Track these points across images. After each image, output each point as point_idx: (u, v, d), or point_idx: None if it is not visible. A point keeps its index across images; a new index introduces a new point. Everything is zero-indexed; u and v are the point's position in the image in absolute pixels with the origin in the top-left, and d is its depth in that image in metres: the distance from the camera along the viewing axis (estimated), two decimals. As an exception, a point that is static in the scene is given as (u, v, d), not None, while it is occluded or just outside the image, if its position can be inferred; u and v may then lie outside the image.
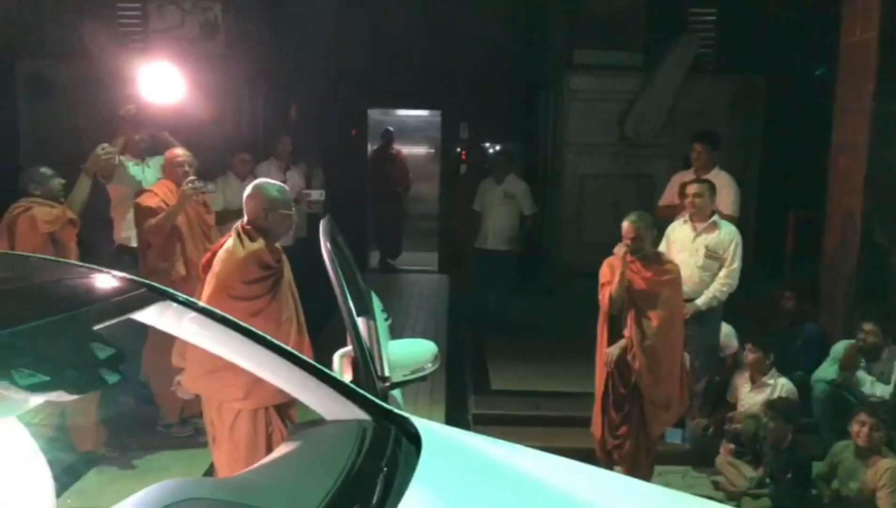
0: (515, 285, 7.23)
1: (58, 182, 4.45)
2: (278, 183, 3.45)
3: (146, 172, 5.27)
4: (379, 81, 9.47)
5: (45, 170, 4.45)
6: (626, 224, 4.03)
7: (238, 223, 3.36)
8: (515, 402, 5.42)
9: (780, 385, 4.75)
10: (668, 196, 5.53)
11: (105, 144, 4.74)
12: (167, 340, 3.26)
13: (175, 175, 4.70)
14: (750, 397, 4.83)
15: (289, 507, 1.71)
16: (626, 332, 4.07)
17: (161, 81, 5.17)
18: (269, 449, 3.26)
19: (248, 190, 3.36)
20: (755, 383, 4.82)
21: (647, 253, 4.07)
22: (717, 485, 4.51)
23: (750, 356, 4.83)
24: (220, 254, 3.28)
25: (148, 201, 4.63)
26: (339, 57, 9.25)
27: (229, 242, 3.31)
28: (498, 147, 9.43)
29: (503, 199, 6.74)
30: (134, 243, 5.03)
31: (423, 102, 10.54)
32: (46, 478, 2.34)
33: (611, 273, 4.09)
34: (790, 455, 4.18)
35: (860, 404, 4.41)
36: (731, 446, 4.67)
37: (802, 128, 6.75)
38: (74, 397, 1.51)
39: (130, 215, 5.08)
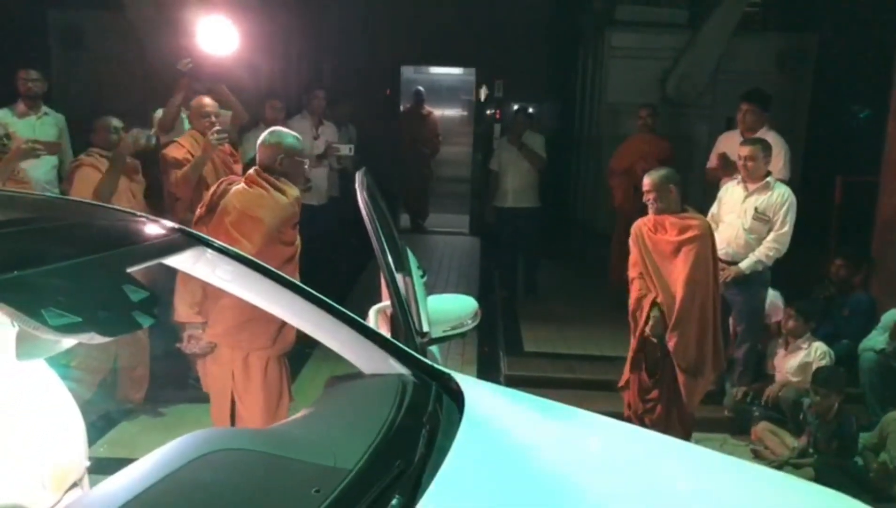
0: (547, 247, 7.07)
1: (116, 136, 4.41)
2: (294, 133, 3.49)
3: None
4: (412, 37, 9.26)
5: (112, 123, 4.43)
6: (645, 179, 3.90)
7: (252, 171, 3.37)
8: (549, 364, 5.34)
9: (815, 349, 4.59)
10: (713, 159, 5.33)
11: (137, 129, 4.62)
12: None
13: (201, 125, 4.63)
14: (784, 361, 4.69)
15: (327, 460, 1.63)
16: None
17: (217, 34, 5.21)
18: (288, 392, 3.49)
19: (263, 136, 3.39)
20: (789, 347, 4.68)
21: (671, 209, 3.84)
22: (756, 454, 4.40)
23: (790, 322, 4.67)
24: (254, 200, 3.24)
25: (174, 152, 4.58)
26: (373, 11, 9.05)
27: (255, 190, 3.28)
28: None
29: (520, 155, 6.56)
30: None
31: (458, 59, 10.32)
32: (79, 425, 2.31)
33: (636, 235, 3.95)
34: (836, 425, 4.04)
35: (910, 375, 4.26)
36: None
37: (854, 88, 6.46)
38: (106, 339, 1.43)
39: None
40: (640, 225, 3.95)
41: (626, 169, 6.23)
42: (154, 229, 2.03)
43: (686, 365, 3.86)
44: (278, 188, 3.32)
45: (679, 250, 3.79)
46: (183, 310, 3.25)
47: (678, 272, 3.77)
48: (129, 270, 1.70)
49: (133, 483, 1.43)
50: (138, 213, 2.18)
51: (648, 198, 3.85)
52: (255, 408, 3.34)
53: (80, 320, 1.42)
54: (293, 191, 3.37)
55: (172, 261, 1.99)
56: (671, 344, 3.83)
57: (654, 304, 3.86)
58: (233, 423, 3.38)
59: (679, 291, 3.77)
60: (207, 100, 4.72)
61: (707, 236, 3.82)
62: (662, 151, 6.05)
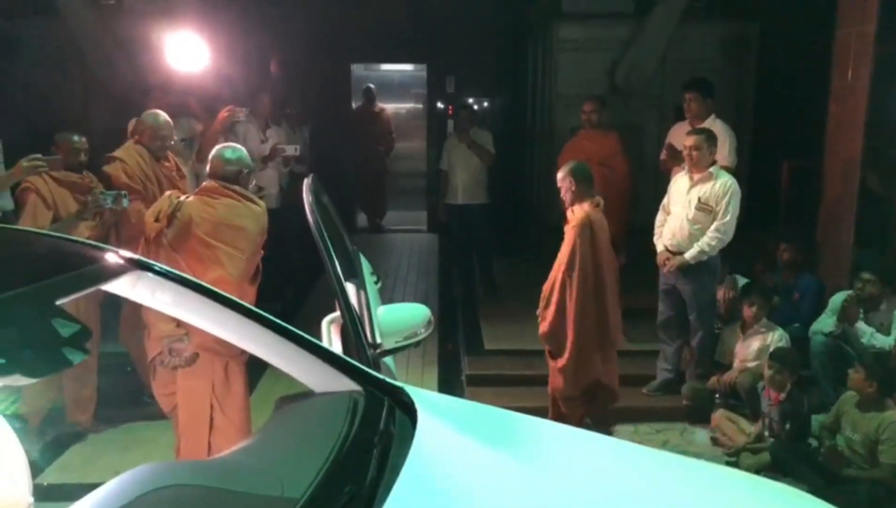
0: (503, 243, 7.06)
1: (79, 152, 4.19)
2: (242, 148, 3.55)
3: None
4: (362, 35, 9.17)
5: (75, 142, 4.18)
6: None
7: (213, 183, 3.34)
8: (509, 362, 5.33)
9: (773, 333, 4.63)
10: (665, 150, 5.36)
11: (101, 192, 4.08)
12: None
13: (153, 144, 4.44)
14: (743, 348, 4.73)
15: (274, 490, 1.59)
16: None
17: (188, 49, 5.33)
18: None
19: (222, 152, 3.38)
20: (747, 333, 4.73)
21: (575, 201, 4.13)
22: (715, 441, 4.46)
23: (752, 309, 4.70)
24: (231, 210, 3.30)
25: (116, 172, 4.33)
26: (321, 9, 8.92)
27: (223, 200, 3.30)
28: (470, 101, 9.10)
29: (469, 153, 6.55)
30: None
31: (409, 56, 10.24)
32: (21, 461, 2.22)
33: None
34: (788, 406, 4.11)
35: (859, 356, 4.35)
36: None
37: (798, 74, 6.58)
38: (32, 380, 1.36)
39: None
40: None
41: None
42: (86, 253, 1.96)
43: (549, 346, 4.12)
44: (249, 199, 3.41)
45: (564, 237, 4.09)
46: (161, 324, 3.18)
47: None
48: (60, 301, 1.63)
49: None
50: (70, 237, 2.10)
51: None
52: (238, 415, 3.37)
53: (2, 361, 1.35)
54: (261, 201, 3.50)
55: (109, 287, 1.92)
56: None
57: None
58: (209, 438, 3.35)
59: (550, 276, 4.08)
60: (164, 119, 4.48)
61: (582, 227, 4.01)
62: (606, 147, 5.76)
